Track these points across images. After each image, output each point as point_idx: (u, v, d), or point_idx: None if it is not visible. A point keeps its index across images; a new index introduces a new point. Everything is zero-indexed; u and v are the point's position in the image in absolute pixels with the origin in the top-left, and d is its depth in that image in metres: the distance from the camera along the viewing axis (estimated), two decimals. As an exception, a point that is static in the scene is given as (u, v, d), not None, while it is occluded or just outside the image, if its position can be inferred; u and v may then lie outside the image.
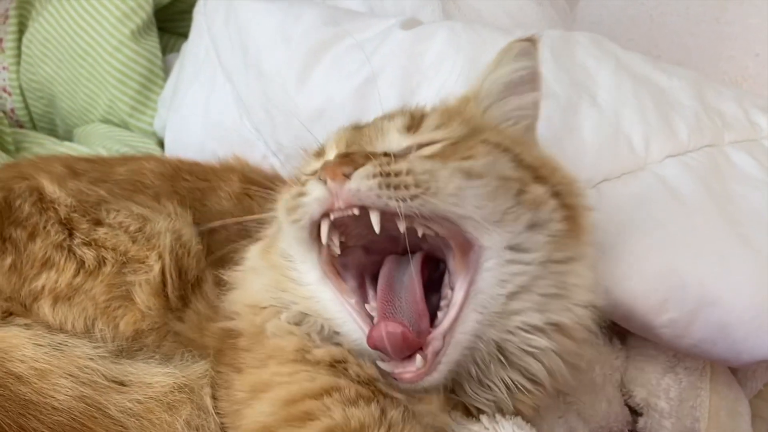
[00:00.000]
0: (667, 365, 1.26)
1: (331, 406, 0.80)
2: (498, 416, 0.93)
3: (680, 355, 1.26)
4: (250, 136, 1.44)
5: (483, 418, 0.93)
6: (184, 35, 1.90)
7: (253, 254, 1.01)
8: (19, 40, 1.92)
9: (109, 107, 1.84)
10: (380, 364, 0.85)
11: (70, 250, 1.04)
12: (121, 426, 0.88)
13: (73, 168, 1.17)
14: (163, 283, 1.05)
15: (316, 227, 0.82)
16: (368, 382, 0.84)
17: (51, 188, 1.09)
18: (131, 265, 1.05)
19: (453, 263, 0.86)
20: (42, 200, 1.08)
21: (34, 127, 2.00)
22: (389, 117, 0.95)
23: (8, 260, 1.01)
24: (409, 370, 0.81)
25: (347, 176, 0.76)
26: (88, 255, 1.04)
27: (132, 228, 1.09)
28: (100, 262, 1.04)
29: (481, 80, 1.01)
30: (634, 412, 1.28)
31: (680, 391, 1.24)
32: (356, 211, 0.78)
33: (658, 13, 2.21)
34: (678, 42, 2.18)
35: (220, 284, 1.05)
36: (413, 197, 0.77)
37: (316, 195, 0.78)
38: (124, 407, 0.89)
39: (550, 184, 0.93)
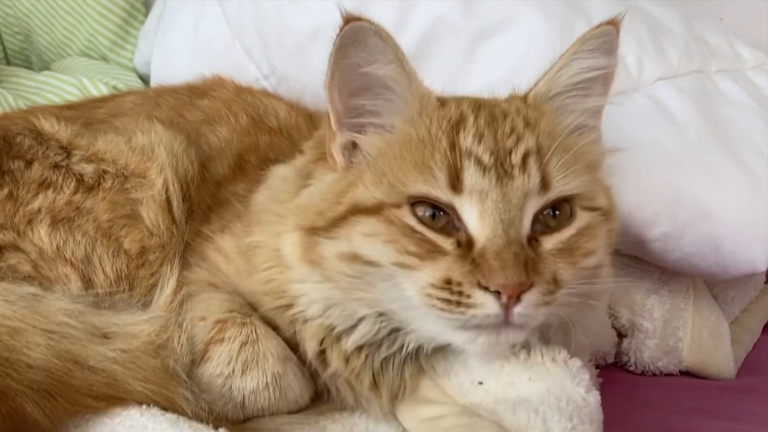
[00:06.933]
0: (651, 287, 1.29)
1: None
2: None
3: (665, 277, 1.30)
4: (242, 59, 1.42)
5: None
6: (165, -28, 1.88)
7: (287, 247, 0.94)
8: (-5, -27, 1.87)
9: (89, 41, 1.80)
10: None
11: (68, 168, 1.03)
12: (103, 374, 0.87)
13: (62, 115, 1.16)
14: (168, 200, 1.05)
15: None
16: None
17: (48, 125, 1.08)
18: (133, 180, 1.04)
19: None
20: (41, 136, 1.07)
21: (9, 64, 1.94)
22: (525, 169, 0.86)
23: (5, 191, 1.00)
24: None
25: (519, 297, 0.81)
26: (87, 169, 1.03)
27: (123, 140, 1.08)
28: (100, 176, 1.03)
29: (554, 73, 0.96)
30: (619, 334, 1.31)
31: (664, 312, 1.28)
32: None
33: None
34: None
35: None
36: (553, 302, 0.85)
37: (489, 311, 0.81)
38: (106, 356, 0.88)
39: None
